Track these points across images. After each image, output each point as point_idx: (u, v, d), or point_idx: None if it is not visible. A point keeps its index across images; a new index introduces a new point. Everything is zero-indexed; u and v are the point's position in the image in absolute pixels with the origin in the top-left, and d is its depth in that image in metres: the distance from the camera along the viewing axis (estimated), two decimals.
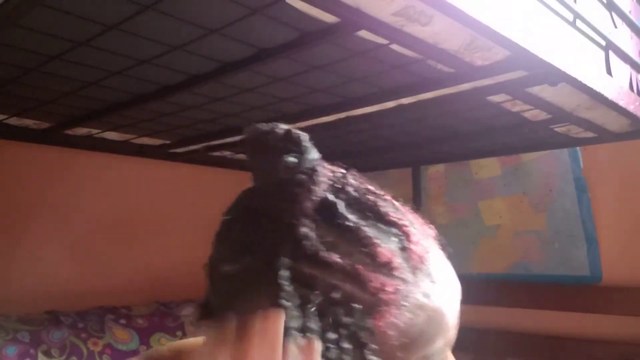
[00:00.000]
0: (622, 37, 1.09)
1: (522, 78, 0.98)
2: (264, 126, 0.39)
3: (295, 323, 0.34)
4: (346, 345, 0.34)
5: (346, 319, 0.35)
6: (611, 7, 1.05)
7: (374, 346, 0.35)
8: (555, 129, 1.42)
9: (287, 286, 0.35)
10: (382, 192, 0.42)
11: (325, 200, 0.38)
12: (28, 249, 1.44)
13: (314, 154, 0.38)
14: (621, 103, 1.04)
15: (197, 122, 1.33)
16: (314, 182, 0.37)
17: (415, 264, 0.39)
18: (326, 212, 0.38)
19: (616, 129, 1.37)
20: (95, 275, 1.57)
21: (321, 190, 0.38)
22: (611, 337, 1.60)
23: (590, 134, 1.43)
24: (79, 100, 1.13)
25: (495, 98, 1.16)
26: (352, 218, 0.38)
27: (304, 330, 0.34)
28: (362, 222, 0.38)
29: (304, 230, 0.37)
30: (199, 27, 0.79)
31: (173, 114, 1.24)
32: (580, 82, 0.91)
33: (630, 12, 1.12)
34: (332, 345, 0.34)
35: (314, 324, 0.34)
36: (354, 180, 0.42)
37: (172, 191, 1.76)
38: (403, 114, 1.23)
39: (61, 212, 1.52)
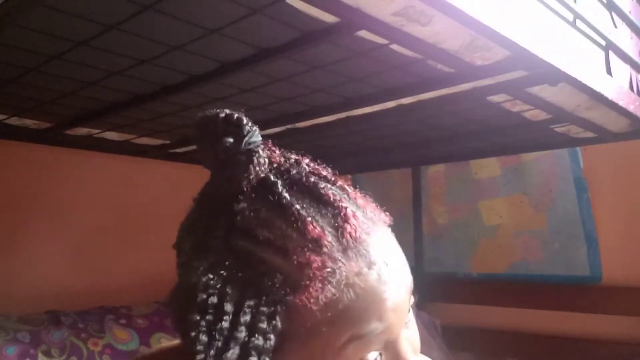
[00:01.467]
0: (622, 37, 1.09)
1: (522, 78, 0.99)
2: (208, 112, 0.40)
3: (212, 287, 0.36)
4: (263, 310, 0.36)
5: (269, 289, 0.37)
6: (611, 7, 1.05)
7: (299, 318, 0.37)
8: (555, 129, 1.42)
9: (212, 255, 0.37)
10: (330, 177, 0.44)
11: (265, 180, 0.41)
12: (28, 249, 1.44)
13: (254, 137, 0.40)
14: (621, 103, 1.04)
15: None
16: (252, 162, 0.39)
17: (348, 243, 0.39)
18: (264, 191, 0.40)
19: (616, 129, 1.37)
20: (95, 275, 1.57)
21: (261, 170, 0.40)
22: (611, 337, 1.60)
23: (590, 134, 1.43)
24: (79, 100, 1.13)
25: (495, 98, 1.16)
26: (287, 196, 0.40)
27: (219, 295, 0.36)
28: (296, 201, 0.40)
29: (238, 206, 0.39)
30: (199, 27, 0.79)
31: (173, 114, 1.24)
32: (580, 82, 0.91)
33: (630, 12, 1.12)
34: (247, 310, 0.36)
35: (230, 290, 0.36)
36: (300, 164, 0.43)
37: (172, 191, 1.76)
38: (403, 114, 1.23)
39: (61, 212, 1.52)
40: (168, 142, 1.56)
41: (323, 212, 0.40)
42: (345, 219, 0.40)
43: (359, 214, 0.41)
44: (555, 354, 1.71)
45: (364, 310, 0.39)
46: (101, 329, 1.35)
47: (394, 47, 0.87)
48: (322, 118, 1.29)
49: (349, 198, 0.43)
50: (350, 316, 0.38)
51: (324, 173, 0.44)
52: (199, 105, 1.17)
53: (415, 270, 2.28)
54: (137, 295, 1.59)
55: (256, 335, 0.36)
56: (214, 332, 0.35)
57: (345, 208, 0.41)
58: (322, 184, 0.42)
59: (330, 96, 1.14)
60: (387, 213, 0.45)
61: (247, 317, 0.36)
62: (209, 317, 0.35)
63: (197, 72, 0.98)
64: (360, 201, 0.43)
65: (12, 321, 1.24)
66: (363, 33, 0.80)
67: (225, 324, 0.35)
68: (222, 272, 0.37)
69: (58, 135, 1.41)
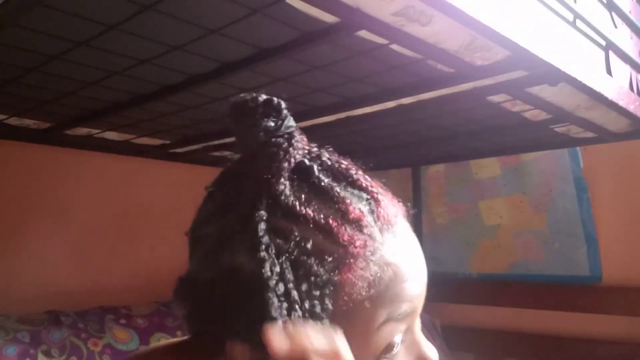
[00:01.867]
0: (622, 37, 1.09)
1: (522, 78, 0.99)
2: (246, 95, 0.41)
3: (275, 273, 0.36)
4: (317, 293, 0.37)
5: (317, 269, 0.37)
6: (611, 7, 1.05)
7: (344, 295, 0.38)
8: (555, 129, 1.42)
9: (265, 237, 0.37)
10: (354, 166, 0.45)
11: (301, 164, 0.41)
12: (28, 249, 1.44)
13: (291, 122, 0.41)
14: (621, 103, 1.04)
15: (197, 122, 1.33)
16: (292, 145, 0.40)
17: (383, 225, 0.41)
18: (301, 175, 0.41)
19: (616, 129, 1.37)
20: (95, 275, 1.57)
21: (298, 154, 0.41)
22: (611, 337, 1.60)
23: (590, 134, 1.43)
24: (79, 100, 1.13)
25: (495, 98, 1.16)
26: (325, 179, 0.41)
27: (281, 278, 0.36)
28: (334, 184, 0.41)
29: (280, 187, 0.39)
30: (199, 27, 0.79)
31: (173, 114, 1.24)
32: (580, 82, 0.91)
33: (630, 12, 1.12)
34: (305, 296, 0.36)
35: (290, 274, 0.36)
36: (326, 152, 0.44)
37: (172, 191, 1.76)
38: (403, 114, 1.23)
39: (61, 212, 1.52)
40: (168, 142, 1.56)
41: (357, 195, 0.42)
42: (378, 203, 0.42)
43: (385, 199, 0.43)
44: (555, 354, 1.71)
45: (400, 290, 0.41)
46: (101, 329, 1.35)
47: (394, 47, 0.87)
48: (322, 118, 1.28)
49: (374, 185, 0.44)
50: (390, 295, 0.40)
51: (346, 161, 0.45)
52: (199, 105, 1.17)
53: None
54: (137, 295, 1.59)
55: (314, 317, 0.36)
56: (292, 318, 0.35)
57: (377, 193, 0.43)
58: (352, 170, 0.43)
59: (330, 96, 1.14)
60: (402, 202, 0.46)
61: (307, 304, 0.36)
62: (285, 305, 0.36)
63: (197, 72, 0.98)
64: (380, 189, 0.45)
65: (12, 321, 1.24)
66: (363, 33, 0.80)
67: (299, 313, 0.36)
68: (275, 254, 0.37)
69: (58, 135, 1.41)
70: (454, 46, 0.84)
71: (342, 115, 1.26)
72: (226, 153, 1.68)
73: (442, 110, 1.26)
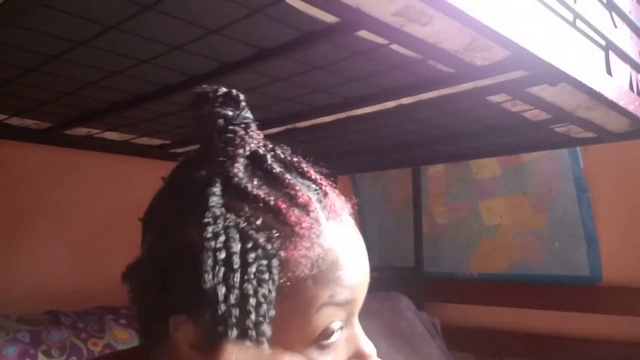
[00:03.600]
0: (622, 37, 1.09)
1: (522, 78, 0.99)
2: (207, 86, 0.43)
3: (219, 240, 0.38)
4: (264, 262, 0.39)
5: (265, 243, 0.39)
6: (611, 7, 1.05)
7: (288, 272, 0.40)
8: (555, 129, 1.42)
9: (214, 209, 0.39)
10: (306, 162, 0.47)
11: (255, 152, 0.44)
12: (28, 249, 1.44)
13: (249, 114, 0.43)
14: (621, 103, 1.04)
15: None
16: (248, 134, 0.42)
17: (329, 215, 0.43)
18: (255, 162, 0.43)
19: (616, 129, 1.37)
20: (95, 275, 1.57)
21: (254, 143, 0.43)
22: (611, 337, 1.60)
23: (590, 134, 1.43)
24: (79, 100, 1.13)
25: (495, 98, 1.16)
26: (277, 167, 0.44)
27: (226, 247, 0.38)
28: (285, 172, 0.44)
29: (235, 169, 0.41)
30: (199, 27, 0.79)
31: (173, 114, 1.24)
32: (580, 82, 0.91)
33: (630, 12, 1.12)
34: (250, 262, 0.38)
35: (234, 244, 0.38)
36: (282, 149, 0.46)
37: None
38: (403, 114, 1.23)
39: (61, 212, 1.52)
40: (168, 142, 1.56)
41: (307, 185, 0.44)
42: (325, 195, 0.44)
43: (333, 194, 0.46)
44: (555, 354, 1.71)
45: (341, 275, 0.42)
46: (101, 329, 1.35)
47: (394, 47, 0.87)
48: (322, 118, 1.29)
49: (323, 180, 0.47)
50: (331, 278, 0.42)
51: (298, 158, 0.47)
52: None
53: (415, 270, 2.27)
54: None
55: (262, 285, 0.38)
56: (229, 284, 0.37)
57: (325, 186, 0.45)
58: (303, 164, 0.46)
59: (330, 96, 1.14)
60: (350, 200, 0.48)
61: (253, 269, 0.38)
62: (222, 269, 0.37)
63: (197, 72, 0.98)
64: (330, 185, 0.47)
65: (12, 321, 1.24)
66: (363, 33, 0.80)
67: (237, 276, 0.37)
68: (224, 225, 0.39)
69: (58, 135, 1.41)
70: (454, 46, 0.84)
71: (342, 115, 1.26)
72: None
73: (442, 110, 1.26)
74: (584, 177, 1.70)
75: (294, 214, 0.41)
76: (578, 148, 1.69)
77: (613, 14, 1.06)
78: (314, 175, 0.46)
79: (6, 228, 1.41)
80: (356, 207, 0.48)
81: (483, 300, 1.89)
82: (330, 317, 0.42)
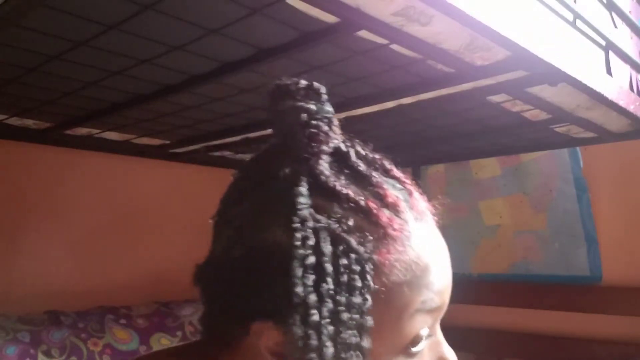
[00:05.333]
0: (622, 37, 1.09)
1: (522, 78, 0.98)
2: (287, 79, 0.42)
3: (308, 245, 0.35)
4: (356, 269, 0.36)
5: (357, 247, 0.37)
6: (611, 7, 1.05)
7: (382, 276, 0.37)
8: (555, 129, 1.42)
9: (303, 210, 0.36)
10: (386, 159, 0.45)
11: (339, 149, 0.41)
12: (28, 249, 1.44)
13: (330, 108, 0.42)
14: (621, 103, 1.04)
15: (197, 122, 1.33)
16: (331, 130, 0.41)
17: (417, 215, 0.41)
18: (339, 158, 0.41)
19: (616, 129, 1.37)
20: (95, 275, 1.57)
21: (337, 138, 0.41)
22: (611, 337, 1.60)
23: (590, 134, 1.43)
24: (79, 100, 1.13)
25: (495, 98, 1.16)
26: (362, 165, 0.41)
27: (316, 252, 0.35)
28: (371, 170, 0.42)
29: (320, 166, 0.39)
30: (199, 27, 0.79)
31: (173, 114, 1.24)
32: (580, 82, 0.91)
33: (630, 12, 1.12)
34: (343, 270, 0.36)
35: (325, 248, 0.36)
36: (361, 144, 0.45)
37: (172, 191, 1.76)
38: (403, 114, 1.23)
39: (61, 212, 1.52)
40: (168, 142, 1.56)
41: (392, 185, 0.42)
42: (411, 194, 0.42)
43: (417, 193, 0.44)
44: (555, 354, 1.71)
45: (433, 280, 0.40)
46: (101, 329, 1.35)
47: (394, 47, 0.87)
48: None
49: (407, 178, 0.45)
50: (424, 283, 0.40)
51: (379, 154, 0.45)
52: (199, 105, 1.17)
53: None
54: (137, 295, 1.59)
55: (356, 295, 0.36)
56: (321, 293, 0.35)
57: (409, 185, 0.43)
58: (385, 161, 0.44)
59: (330, 96, 1.14)
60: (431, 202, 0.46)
61: (345, 277, 0.36)
62: (312, 277, 0.35)
63: (197, 72, 0.98)
64: (413, 184, 0.45)
65: (12, 321, 1.24)
66: (363, 33, 0.80)
67: (329, 285, 0.35)
68: (312, 227, 0.36)
69: (58, 135, 1.41)
70: (454, 46, 0.84)
71: (342, 115, 1.26)
72: (226, 153, 1.69)
73: (442, 110, 1.26)
74: (584, 177, 1.70)
75: (385, 215, 0.39)
76: (578, 148, 1.69)
77: (613, 14, 1.06)
78: (397, 173, 0.44)
79: (6, 228, 1.41)
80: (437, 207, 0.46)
81: (483, 300, 1.89)
82: (421, 324, 0.40)
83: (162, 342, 1.43)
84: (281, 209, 0.37)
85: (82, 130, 1.41)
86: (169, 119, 1.29)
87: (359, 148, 0.43)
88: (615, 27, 1.06)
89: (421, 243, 0.40)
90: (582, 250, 1.70)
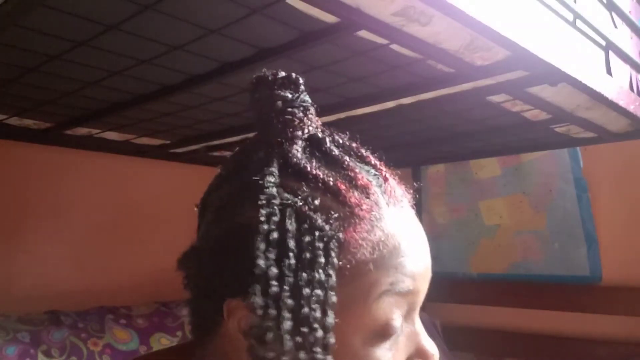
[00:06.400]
0: (622, 37, 1.09)
1: (522, 78, 0.99)
2: (268, 70, 0.43)
3: (273, 221, 0.36)
4: (319, 246, 0.37)
5: (322, 224, 0.38)
6: (611, 7, 1.05)
7: (348, 254, 0.38)
8: (555, 129, 1.42)
9: (270, 188, 0.38)
10: (365, 149, 0.46)
11: (314, 136, 0.43)
12: (28, 249, 1.44)
13: (308, 98, 0.43)
14: (621, 103, 1.04)
15: (197, 122, 1.33)
16: (307, 117, 0.42)
17: (389, 199, 0.42)
18: (314, 145, 0.43)
19: (616, 129, 1.37)
20: (95, 275, 1.57)
21: (312, 126, 0.43)
22: (611, 337, 1.60)
23: (590, 134, 1.43)
24: (79, 100, 1.13)
25: (495, 98, 1.16)
26: (336, 150, 0.43)
27: (279, 228, 0.36)
28: (345, 155, 0.43)
29: (293, 150, 0.40)
30: (199, 27, 0.79)
31: (173, 114, 1.24)
32: (580, 82, 0.91)
33: (630, 12, 1.12)
34: (305, 246, 0.36)
35: (290, 225, 0.37)
36: (340, 134, 0.46)
37: (172, 191, 1.76)
38: (403, 114, 1.23)
39: (61, 212, 1.52)
40: (168, 142, 1.56)
41: (367, 170, 0.43)
42: (386, 180, 0.43)
43: (394, 181, 0.44)
44: (555, 354, 1.71)
45: (403, 262, 0.40)
46: (101, 329, 1.35)
47: (394, 47, 0.87)
48: (322, 118, 1.28)
49: (384, 166, 0.46)
50: (393, 264, 0.40)
51: (357, 144, 0.46)
52: (199, 105, 1.17)
53: None
54: (137, 295, 1.59)
55: (318, 271, 0.36)
56: (282, 268, 0.35)
57: (385, 170, 0.44)
58: (362, 149, 0.45)
59: (330, 96, 1.14)
60: (410, 190, 0.47)
61: (308, 254, 0.36)
62: (274, 251, 0.36)
63: (197, 72, 0.98)
64: (390, 172, 0.46)
65: (12, 321, 1.24)
66: (363, 33, 0.80)
67: (292, 260, 0.36)
68: (278, 205, 0.37)
69: (58, 135, 1.41)
70: (454, 46, 0.84)
71: (342, 115, 1.26)
72: (226, 153, 1.69)
73: (442, 110, 1.26)
74: (584, 177, 1.70)
75: (354, 195, 0.40)
76: (578, 148, 1.69)
77: (613, 14, 1.06)
78: (373, 160, 0.45)
79: (6, 228, 1.41)
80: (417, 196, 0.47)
81: (483, 300, 1.89)
82: (391, 307, 0.40)
83: (162, 342, 1.43)
84: (253, 190, 0.38)
85: (82, 130, 1.41)
86: (169, 119, 1.29)
87: (337, 136, 0.45)
88: (615, 27, 1.07)
89: (392, 225, 0.41)
90: (582, 250, 1.70)
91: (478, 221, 1.94)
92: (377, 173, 0.43)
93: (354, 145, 0.45)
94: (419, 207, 2.05)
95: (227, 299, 0.39)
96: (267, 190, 0.37)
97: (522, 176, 1.84)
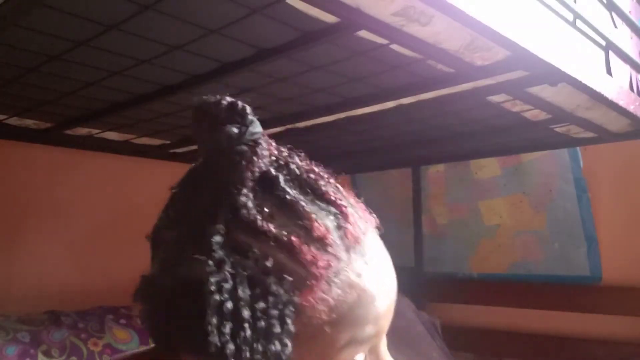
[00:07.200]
0: (622, 37, 1.09)
1: (522, 78, 0.99)
2: (209, 97, 0.38)
3: (225, 290, 0.34)
4: (274, 313, 0.35)
5: (276, 288, 0.35)
6: (611, 7, 1.05)
7: (304, 318, 0.36)
8: (555, 129, 1.42)
9: (218, 251, 0.35)
10: (326, 175, 0.42)
11: (266, 173, 0.38)
12: (28, 249, 1.44)
13: (257, 127, 0.38)
14: (621, 103, 1.04)
15: None
16: (256, 154, 0.37)
17: (350, 244, 0.39)
18: (266, 185, 0.38)
19: (616, 129, 1.37)
20: (95, 275, 1.57)
21: (263, 163, 0.38)
22: (611, 337, 1.60)
23: (590, 134, 1.43)
24: (79, 100, 1.13)
25: (495, 98, 1.16)
26: (291, 192, 0.38)
27: (232, 297, 0.34)
28: (300, 197, 0.39)
29: (242, 198, 0.36)
30: (199, 27, 0.79)
31: (173, 114, 1.24)
32: (580, 82, 0.91)
33: (630, 12, 1.12)
34: (260, 315, 0.34)
35: (242, 292, 0.34)
36: (295, 159, 0.41)
37: None
38: (403, 114, 1.23)
39: (61, 212, 1.52)
40: (168, 142, 1.56)
41: (324, 210, 0.39)
42: (346, 219, 0.39)
43: (355, 213, 0.41)
44: (555, 354, 1.71)
45: (364, 312, 0.38)
46: (101, 329, 1.35)
47: (394, 47, 0.87)
48: (322, 118, 1.28)
49: (345, 197, 0.42)
50: (352, 318, 0.38)
51: (318, 170, 0.42)
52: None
53: (415, 270, 2.27)
54: None
55: (274, 342, 0.35)
56: (237, 342, 0.33)
57: (345, 207, 0.40)
58: (321, 181, 0.40)
59: (330, 96, 1.14)
60: (374, 215, 0.44)
61: (262, 323, 0.34)
62: (228, 325, 0.33)
63: (197, 72, 0.98)
64: (352, 200, 0.42)
65: (12, 321, 1.24)
66: (363, 33, 0.80)
67: (247, 333, 0.34)
68: (229, 270, 0.35)
69: (58, 135, 1.41)
70: (454, 46, 0.84)
71: (342, 115, 1.26)
72: None
73: (442, 110, 1.26)
74: (584, 177, 1.70)
75: (310, 252, 0.37)
76: (578, 148, 1.69)
77: (613, 14, 1.06)
78: (333, 195, 0.40)
79: (6, 228, 1.41)
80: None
81: (483, 300, 1.89)
82: (353, 354, 0.38)
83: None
84: (200, 246, 0.35)
85: (82, 130, 1.41)
86: (169, 119, 1.29)
87: (293, 167, 0.40)
88: (615, 27, 1.07)
89: (352, 274, 0.38)
90: (582, 250, 1.70)
91: (478, 221, 1.93)
92: (337, 211, 0.39)
93: (312, 176, 0.40)
94: (419, 207, 2.06)
95: (183, 350, 0.38)
96: (215, 254, 0.34)
97: (522, 176, 1.83)
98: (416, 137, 1.59)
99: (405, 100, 1.16)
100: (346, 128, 1.37)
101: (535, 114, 1.29)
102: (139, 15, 0.74)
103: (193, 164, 0.42)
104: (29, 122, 1.33)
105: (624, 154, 1.60)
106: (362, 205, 0.43)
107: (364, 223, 0.41)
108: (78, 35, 0.80)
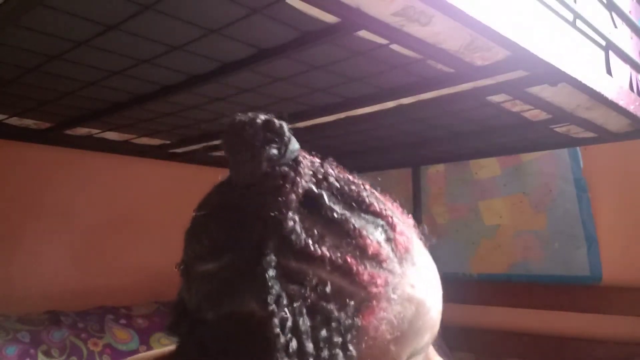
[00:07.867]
0: (622, 37, 1.09)
1: (522, 78, 0.99)
2: (242, 116, 0.36)
3: (288, 328, 0.32)
4: (338, 340, 0.33)
5: (338, 314, 0.34)
6: (611, 7, 1.05)
7: (368, 340, 0.35)
8: (555, 129, 1.42)
9: (275, 286, 0.33)
10: (361, 182, 0.40)
11: (309, 192, 0.36)
12: (28, 249, 1.45)
13: (295, 144, 0.36)
14: (621, 103, 1.04)
15: (197, 122, 1.33)
16: (298, 174, 0.35)
17: (401, 255, 0.38)
18: (311, 204, 0.36)
19: (616, 129, 1.37)
20: (95, 275, 1.57)
21: (305, 182, 0.36)
22: (611, 337, 1.60)
23: (590, 134, 1.43)
24: (79, 100, 1.13)
25: (495, 98, 1.16)
26: (337, 209, 0.36)
27: (294, 330, 0.32)
28: (347, 214, 0.37)
29: (290, 224, 0.34)
30: (199, 27, 0.79)
31: (173, 114, 1.24)
32: (580, 82, 0.91)
33: (630, 12, 1.12)
34: (323, 344, 0.33)
35: (303, 324, 0.33)
36: (332, 170, 0.39)
37: (172, 191, 1.76)
38: (403, 114, 1.23)
39: (61, 212, 1.52)
40: (168, 142, 1.56)
41: (372, 223, 0.37)
42: (394, 229, 0.38)
43: (400, 221, 0.39)
44: (555, 354, 1.71)
45: (422, 324, 0.38)
46: (101, 329, 1.35)
47: (394, 47, 0.87)
48: (322, 118, 1.28)
49: (385, 203, 0.40)
50: (413, 332, 0.37)
51: (355, 178, 0.40)
52: (199, 105, 1.17)
53: None
54: (137, 295, 1.59)
55: None
56: None
57: (391, 217, 0.38)
58: (363, 192, 0.39)
59: (330, 96, 1.14)
60: (410, 215, 0.43)
61: (326, 352, 0.33)
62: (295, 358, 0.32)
63: (197, 72, 0.98)
64: (390, 205, 0.41)
65: (12, 321, 1.24)
66: (363, 33, 0.80)
67: None
68: (288, 304, 0.33)
69: (58, 135, 1.41)
70: (454, 46, 0.84)
71: (342, 115, 1.26)
72: None
73: (442, 110, 1.26)
74: (584, 177, 1.70)
75: (367, 271, 0.35)
76: (578, 148, 1.69)
77: (613, 14, 1.06)
78: (377, 205, 0.38)
79: (6, 228, 1.41)
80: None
81: (483, 300, 1.89)
82: None
83: (162, 342, 1.43)
84: (253, 281, 0.33)
85: (82, 130, 1.41)
86: (169, 119, 1.29)
87: (332, 180, 0.38)
88: (615, 27, 1.07)
89: (408, 286, 0.37)
90: (582, 250, 1.70)
91: (478, 221, 1.94)
92: (383, 222, 0.38)
93: (353, 188, 0.38)
94: (419, 207, 2.06)
95: None
96: (273, 290, 0.32)
97: (522, 176, 1.84)
98: (416, 137, 1.59)
99: (405, 100, 1.16)
100: (346, 128, 1.37)
101: (535, 114, 1.29)
102: (139, 15, 0.74)
103: (219, 184, 0.40)
104: (29, 122, 1.33)
105: (624, 154, 1.60)
106: (399, 207, 0.42)
107: (407, 228, 0.40)
108: (78, 35, 0.80)
